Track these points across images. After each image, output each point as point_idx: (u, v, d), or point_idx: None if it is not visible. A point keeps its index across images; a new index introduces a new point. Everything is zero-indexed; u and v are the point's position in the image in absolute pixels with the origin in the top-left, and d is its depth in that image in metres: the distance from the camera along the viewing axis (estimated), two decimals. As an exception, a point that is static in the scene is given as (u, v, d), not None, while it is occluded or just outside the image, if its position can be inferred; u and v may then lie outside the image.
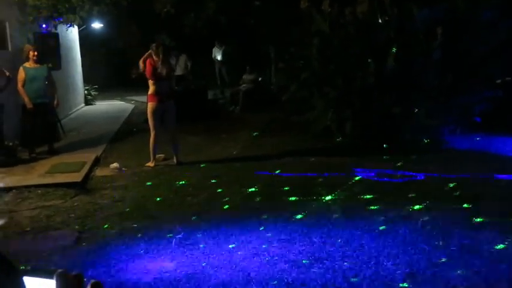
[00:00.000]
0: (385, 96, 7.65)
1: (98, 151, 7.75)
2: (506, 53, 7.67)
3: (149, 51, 6.74)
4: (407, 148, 7.18)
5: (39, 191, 5.71)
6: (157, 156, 6.95)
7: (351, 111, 7.89)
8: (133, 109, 13.27)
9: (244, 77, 12.52)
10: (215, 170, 6.51)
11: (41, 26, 9.46)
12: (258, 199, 5.27)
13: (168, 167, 6.79)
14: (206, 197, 5.42)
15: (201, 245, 4.06)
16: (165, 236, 4.28)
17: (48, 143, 7.58)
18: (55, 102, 7.58)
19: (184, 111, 8.64)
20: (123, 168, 6.66)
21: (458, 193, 5.16)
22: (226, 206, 5.06)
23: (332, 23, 8.30)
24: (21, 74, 7.16)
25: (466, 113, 7.85)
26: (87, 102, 14.32)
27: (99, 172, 6.66)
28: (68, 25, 10.16)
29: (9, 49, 8.43)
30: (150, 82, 6.69)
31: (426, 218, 4.45)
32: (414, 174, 6.00)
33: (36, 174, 6.38)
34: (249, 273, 3.53)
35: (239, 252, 3.89)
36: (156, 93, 6.67)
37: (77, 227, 4.65)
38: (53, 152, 7.52)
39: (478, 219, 4.36)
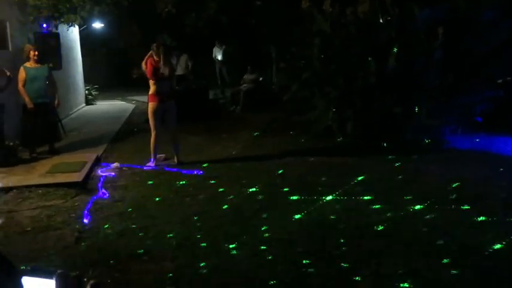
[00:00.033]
0: (387, 96, 7.64)
1: (99, 151, 7.75)
2: (508, 53, 7.66)
3: (150, 52, 6.74)
4: (408, 148, 7.17)
5: (40, 191, 5.71)
6: (158, 156, 6.95)
7: (352, 111, 7.88)
8: (134, 109, 13.28)
9: (245, 76, 12.52)
10: (216, 170, 6.50)
11: (42, 25, 9.46)
12: (258, 199, 5.26)
13: (169, 167, 6.78)
14: (206, 197, 5.42)
15: (202, 245, 4.05)
16: (165, 236, 4.27)
17: (48, 142, 7.58)
18: (56, 102, 7.58)
19: (185, 111, 8.64)
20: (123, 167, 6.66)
21: (459, 193, 5.15)
22: (227, 206, 5.05)
23: (333, 22, 8.30)
24: (21, 74, 7.16)
25: (467, 113, 7.84)
26: (88, 102, 14.34)
27: (100, 172, 6.65)
28: (69, 25, 10.16)
29: (10, 49, 8.43)
30: (151, 82, 6.68)
31: (427, 218, 4.45)
32: (415, 174, 5.99)
33: (37, 174, 6.38)
34: (249, 274, 3.52)
35: (239, 252, 3.88)
36: (157, 93, 6.67)
37: (77, 226, 4.65)
38: (53, 152, 7.52)
39: (479, 219, 4.35)
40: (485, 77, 7.89)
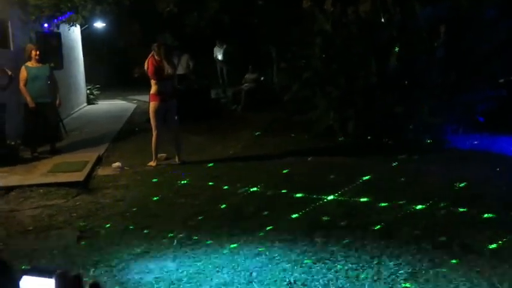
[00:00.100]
0: (388, 95, 7.63)
1: (100, 150, 7.75)
2: (507, 53, 7.63)
3: (152, 52, 6.73)
4: (409, 147, 7.15)
5: (41, 190, 5.71)
6: (160, 155, 6.94)
7: (353, 110, 7.87)
8: (135, 108, 13.29)
9: (246, 76, 12.52)
10: (217, 170, 6.50)
11: (43, 25, 9.47)
12: (259, 198, 5.25)
13: (170, 167, 6.78)
14: (208, 196, 5.41)
15: (203, 245, 4.05)
16: (166, 236, 4.27)
17: (50, 142, 7.59)
18: (57, 101, 7.59)
19: (187, 110, 8.65)
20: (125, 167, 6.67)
21: (460, 193, 5.14)
22: (227, 206, 5.04)
23: (334, 22, 8.28)
24: (23, 73, 7.17)
25: (469, 112, 7.82)
26: (89, 101, 14.35)
27: (101, 171, 6.66)
28: (70, 24, 10.16)
29: (11, 48, 8.44)
30: (153, 81, 6.68)
31: (428, 218, 4.44)
32: (416, 174, 5.98)
33: (38, 174, 6.39)
34: (250, 273, 3.52)
35: (241, 252, 3.88)
36: (159, 92, 6.67)
37: (81, 224, 4.65)
38: (55, 152, 7.53)
39: (480, 219, 4.34)
40: (488, 75, 7.87)
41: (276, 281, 3.39)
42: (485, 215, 4.40)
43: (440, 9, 7.78)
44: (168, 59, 6.73)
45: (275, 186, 5.63)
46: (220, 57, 14.92)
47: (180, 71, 11.80)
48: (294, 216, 4.62)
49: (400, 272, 3.44)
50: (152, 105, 6.74)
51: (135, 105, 13.90)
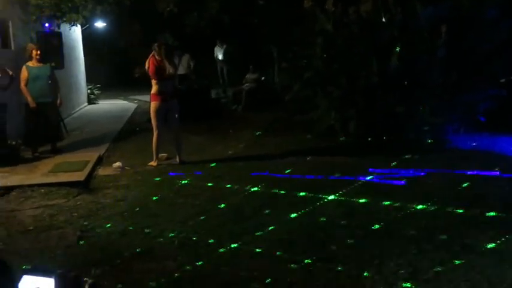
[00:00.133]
0: (389, 95, 7.63)
1: (101, 150, 7.76)
2: (508, 53, 7.62)
3: (152, 52, 6.73)
4: (411, 147, 7.14)
5: (42, 190, 5.72)
6: (160, 155, 6.95)
7: (354, 110, 7.86)
8: (136, 108, 13.29)
9: (247, 76, 12.52)
10: (218, 170, 6.50)
11: (44, 25, 9.47)
12: (260, 198, 5.25)
13: (170, 166, 6.78)
14: (208, 196, 5.41)
15: (203, 244, 4.05)
16: (167, 235, 4.27)
17: (51, 142, 7.59)
18: (58, 101, 7.59)
19: (188, 110, 8.64)
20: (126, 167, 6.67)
21: (461, 193, 5.13)
22: (228, 205, 5.04)
23: (336, 22, 8.28)
24: (24, 73, 7.17)
25: (470, 111, 7.81)
26: (90, 101, 14.36)
27: (102, 171, 6.66)
28: (71, 24, 10.17)
29: (12, 48, 8.45)
30: (153, 81, 6.68)
31: (429, 218, 4.43)
32: (417, 173, 5.97)
33: (39, 173, 6.39)
34: (251, 273, 3.51)
35: (241, 252, 3.88)
36: (160, 92, 6.67)
37: (82, 223, 4.65)
38: (56, 151, 7.54)
39: (481, 219, 4.34)
40: (489, 75, 7.86)
41: (276, 281, 3.39)
42: (486, 215, 4.39)
43: (442, 9, 7.77)
44: (168, 58, 6.74)
45: (276, 186, 5.62)
46: (220, 57, 14.93)
47: (181, 71, 11.83)
48: (294, 216, 4.62)
49: (400, 272, 3.44)
50: (153, 105, 6.74)
51: (135, 105, 13.90)
